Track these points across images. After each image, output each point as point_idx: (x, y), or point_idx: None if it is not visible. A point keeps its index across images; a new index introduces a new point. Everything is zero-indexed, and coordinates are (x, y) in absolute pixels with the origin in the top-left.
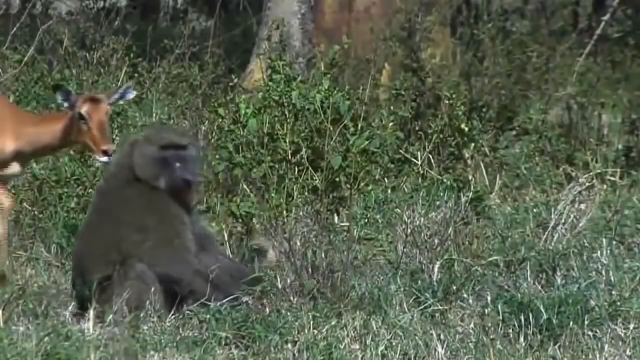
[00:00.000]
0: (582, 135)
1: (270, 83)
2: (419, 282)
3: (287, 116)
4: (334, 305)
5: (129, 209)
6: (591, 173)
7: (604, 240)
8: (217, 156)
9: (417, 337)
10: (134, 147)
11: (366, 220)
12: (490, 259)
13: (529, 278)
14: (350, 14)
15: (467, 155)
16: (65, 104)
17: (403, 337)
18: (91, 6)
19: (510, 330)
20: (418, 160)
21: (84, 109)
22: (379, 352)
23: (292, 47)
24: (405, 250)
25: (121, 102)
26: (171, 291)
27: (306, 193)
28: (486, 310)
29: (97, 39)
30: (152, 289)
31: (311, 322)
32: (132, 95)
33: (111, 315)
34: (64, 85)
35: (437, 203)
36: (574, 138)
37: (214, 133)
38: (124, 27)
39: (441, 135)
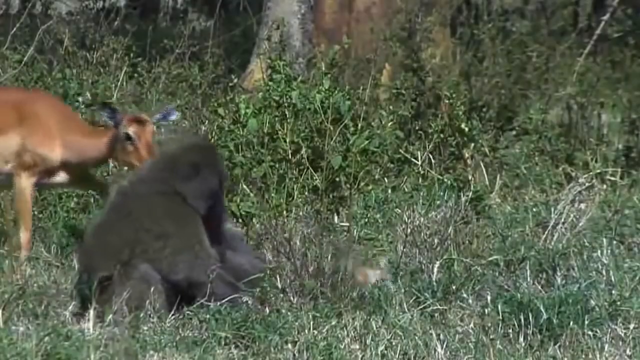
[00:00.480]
0: (582, 135)
1: (270, 83)
2: (419, 282)
3: (287, 116)
4: (334, 305)
5: (153, 217)
6: (591, 173)
7: (604, 240)
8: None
9: (417, 337)
10: (186, 167)
11: (366, 220)
12: (490, 258)
13: (529, 278)
14: (350, 14)
15: (467, 155)
16: (111, 122)
17: (403, 337)
18: (91, 6)
19: (510, 330)
20: (418, 160)
21: (131, 130)
22: (379, 352)
23: (292, 47)
24: (405, 250)
25: (164, 122)
26: (175, 292)
27: (306, 193)
28: (486, 310)
29: (97, 39)
30: (153, 289)
31: (311, 322)
32: (174, 116)
33: (111, 315)
34: (110, 103)
35: (437, 203)
36: (574, 138)
37: (214, 133)
38: (123, 27)
39: (441, 135)
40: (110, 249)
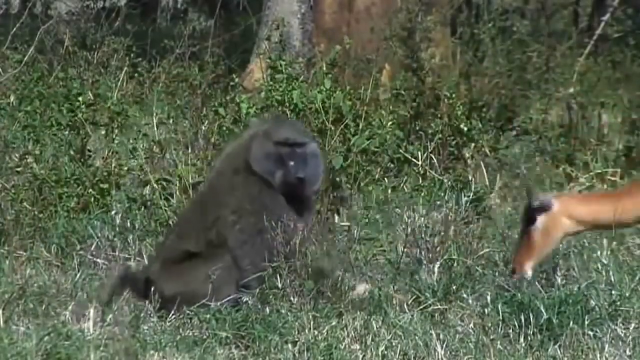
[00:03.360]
0: (582, 135)
1: (271, 83)
2: (419, 282)
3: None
4: (334, 305)
5: (233, 194)
6: (591, 173)
7: (604, 240)
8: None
9: (417, 337)
10: (252, 140)
11: (366, 220)
12: (489, 258)
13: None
14: (350, 14)
15: (467, 155)
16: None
17: (403, 337)
18: (91, 6)
19: (510, 330)
20: (418, 160)
21: None
22: (379, 352)
23: (292, 47)
24: (405, 250)
25: None
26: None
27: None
28: (486, 310)
29: (98, 39)
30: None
31: (311, 322)
32: None
33: (111, 315)
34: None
35: (438, 203)
36: (574, 138)
37: (213, 133)
38: (124, 27)
39: (441, 135)
40: (198, 225)
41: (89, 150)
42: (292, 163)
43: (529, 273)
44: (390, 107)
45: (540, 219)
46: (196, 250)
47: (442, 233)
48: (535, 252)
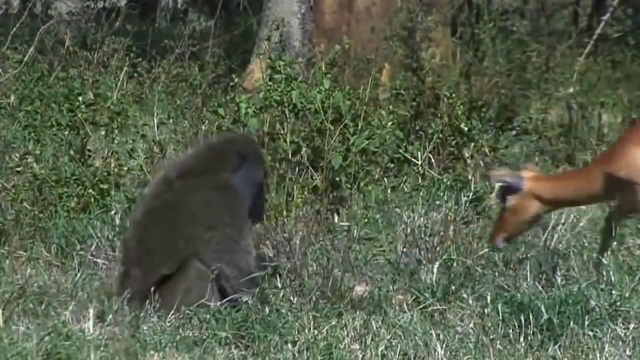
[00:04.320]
0: (582, 135)
1: (270, 83)
2: (419, 282)
3: (288, 116)
4: (334, 305)
5: (209, 210)
6: None
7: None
8: None
9: (417, 337)
10: (235, 157)
11: (366, 220)
12: (489, 258)
13: (529, 278)
14: (350, 14)
15: (467, 155)
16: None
17: (403, 337)
18: (92, 6)
19: (510, 330)
20: (418, 160)
21: None
22: (379, 352)
23: (292, 47)
24: (404, 250)
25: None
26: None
27: (306, 193)
28: (486, 310)
29: (98, 39)
30: (210, 286)
31: (311, 322)
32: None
33: (111, 315)
34: None
35: (437, 203)
36: (573, 138)
37: (213, 133)
38: (124, 27)
39: (441, 135)
40: (170, 246)
41: (89, 150)
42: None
43: (500, 245)
44: (390, 107)
45: (511, 199)
46: (171, 272)
47: (442, 233)
48: (508, 229)
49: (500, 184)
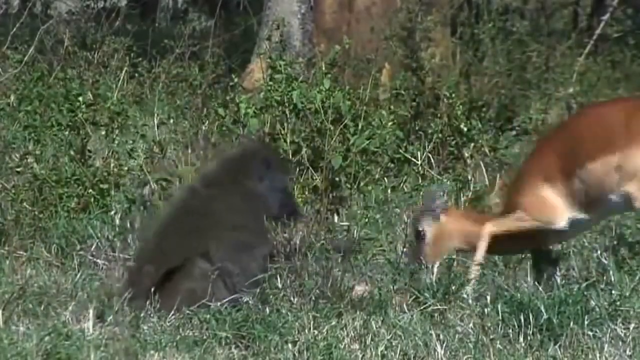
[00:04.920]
0: None
1: (271, 83)
2: (419, 282)
3: (288, 116)
4: (334, 305)
5: (231, 214)
6: None
7: (604, 240)
8: None
9: (416, 337)
10: (260, 165)
11: (366, 220)
12: (489, 258)
13: (529, 278)
14: (350, 14)
15: (467, 155)
16: None
17: (403, 337)
18: (92, 6)
19: (510, 330)
20: (418, 160)
21: None
22: (379, 352)
23: (292, 47)
24: (405, 250)
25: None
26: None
27: (306, 193)
28: (486, 310)
29: (98, 38)
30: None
31: (311, 322)
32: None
33: (111, 315)
34: None
35: None
36: None
37: (213, 133)
38: (124, 27)
39: (441, 135)
40: (186, 244)
41: (89, 151)
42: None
43: (412, 266)
44: (390, 107)
45: (429, 227)
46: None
47: None
48: (426, 254)
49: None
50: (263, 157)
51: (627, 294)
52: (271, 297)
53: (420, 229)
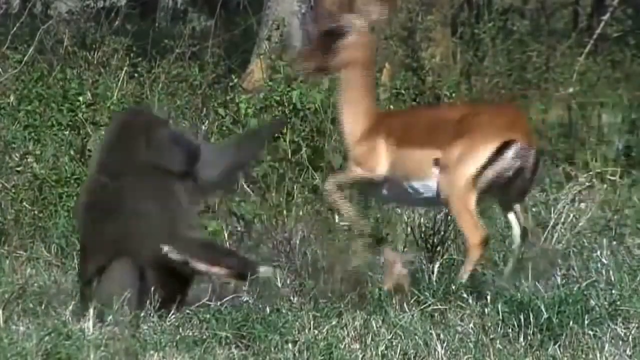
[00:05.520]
0: (582, 135)
1: (270, 83)
2: (419, 282)
3: (288, 116)
4: (334, 305)
5: (132, 200)
6: (591, 172)
7: (604, 240)
8: None
9: (417, 337)
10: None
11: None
12: (489, 258)
13: (529, 278)
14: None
15: None
16: None
17: (403, 337)
18: (91, 6)
19: (510, 330)
20: None
21: None
22: (379, 352)
23: (292, 47)
24: (405, 250)
25: None
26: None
27: (306, 193)
28: (486, 310)
29: (98, 38)
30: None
31: (311, 322)
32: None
33: (111, 315)
34: None
35: None
36: (574, 138)
37: (213, 133)
38: (124, 26)
39: None
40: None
41: (89, 150)
42: None
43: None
44: (391, 107)
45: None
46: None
47: (442, 233)
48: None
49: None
50: (140, 123)
51: (627, 294)
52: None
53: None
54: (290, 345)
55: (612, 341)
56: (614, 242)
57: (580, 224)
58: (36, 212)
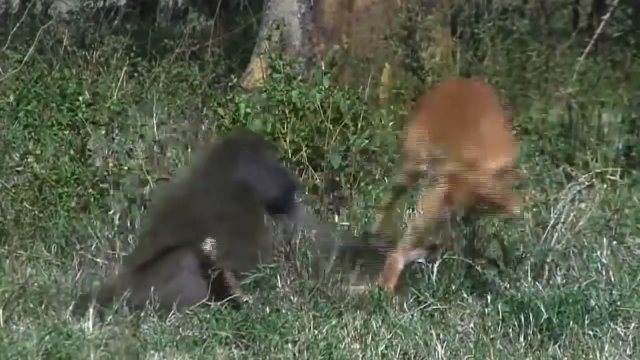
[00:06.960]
0: (582, 135)
1: (270, 83)
2: (419, 282)
3: (288, 115)
4: (334, 305)
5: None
6: (591, 172)
7: (604, 240)
8: None
9: (417, 337)
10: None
11: (366, 220)
12: (490, 258)
13: (529, 278)
14: (350, 14)
15: None
16: None
17: (403, 337)
18: (91, 6)
19: (510, 330)
20: None
21: None
22: (379, 352)
23: (292, 47)
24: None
25: None
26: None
27: (306, 193)
28: (486, 310)
29: (97, 38)
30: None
31: (311, 322)
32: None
33: (111, 315)
34: None
35: None
36: (574, 137)
37: (213, 133)
38: (123, 26)
39: None
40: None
41: (89, 150)
42: None
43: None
44: (391, 107)
45: None
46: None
47: (442, 233)
48: None
49: None
50: (247, 143)
51: (627, 294)
52: (271, 297)
53: None
54: (290, 345)
55: (612, 341)
56: (614, 242)
57: (580, 224)
58: (36, 212)
